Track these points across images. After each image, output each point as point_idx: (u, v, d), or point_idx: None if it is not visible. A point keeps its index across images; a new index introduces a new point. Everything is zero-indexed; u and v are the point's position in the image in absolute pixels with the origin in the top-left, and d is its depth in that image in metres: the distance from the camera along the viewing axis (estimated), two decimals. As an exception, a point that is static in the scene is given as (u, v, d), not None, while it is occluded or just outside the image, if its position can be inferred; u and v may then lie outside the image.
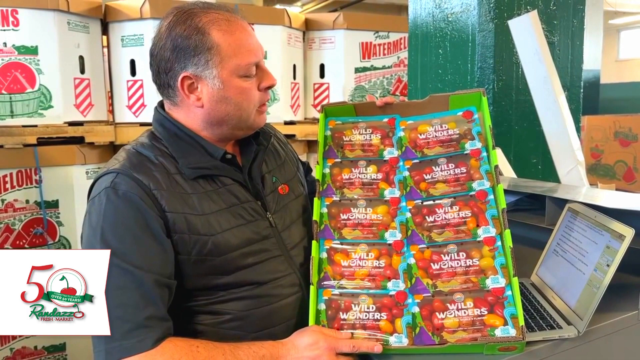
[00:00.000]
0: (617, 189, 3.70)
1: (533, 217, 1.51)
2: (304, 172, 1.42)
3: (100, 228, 1.03)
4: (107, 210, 1.04)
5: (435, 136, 1.28)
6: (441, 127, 1.29)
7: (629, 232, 1.03)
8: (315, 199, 1.22)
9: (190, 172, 1.11)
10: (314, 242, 1.17)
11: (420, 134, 1.29)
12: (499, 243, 1.11)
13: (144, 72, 2.56)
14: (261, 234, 1.15)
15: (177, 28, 1.10)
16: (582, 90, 2.10)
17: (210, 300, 1.12)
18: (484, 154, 1.22)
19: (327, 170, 1.28)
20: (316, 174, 1.27)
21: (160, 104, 1.21)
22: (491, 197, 1.16)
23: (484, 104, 1.26)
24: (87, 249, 1.09)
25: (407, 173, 1.25)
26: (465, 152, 1.24)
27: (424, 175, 1.23)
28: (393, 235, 1.17)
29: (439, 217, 1.17)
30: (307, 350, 1.03)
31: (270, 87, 1.18)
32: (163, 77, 1.13)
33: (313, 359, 1.03)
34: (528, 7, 1.95)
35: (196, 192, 1.10)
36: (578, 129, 1.98)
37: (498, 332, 1.00)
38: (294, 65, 2.94)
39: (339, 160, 1.29)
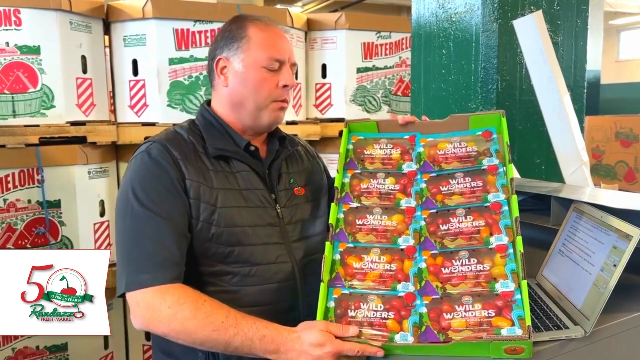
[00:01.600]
0: (619, 190, 3.70)
1: (538, 217, 1.51)
2: (328, 186, 1.49)
3: (132, 182, 1.22)
4: (139, 169, 1.24)
5: (454, 152, 1.31)
6: (460, 144, 1.32)
7: (636, 232, 1.03)
8: (333, 204, 1.25)
9: (213, 150, 1.28)
10: (327, 244, 1.18)
11: (440, 150, 1.32)
12: (511, 250, 1.11)
13: (146, 72, 2.55)
14: (266, 221, 1.28)
15: (227, 25, 1.35)
16: (585, 91, 2.10)
17: (211, 270, 1.25)
18: (501, 169, 1.24)
19: (346, 180, 1.31)
20: (336, 182, 1.30)
21: (207, 102, 1.40)
22: (505, 208, 1.18)
23: (503, 125, 1.29)
24: (120, 200, 1.23)
25: (424, 185, 1.27)
26: (483, 168, 1.26)
27: (441, 188, 1.25)
28: (406, 241, 1.19)
29: (452, 226, 1.18)
30: (311, 348, 1.05)
31: (287, 87, 1.31)
32: (209, 64, 1.36)
33: (315, 359, 1.05)
34: (532, 7, 1.95)
35: (215, 169, 1.27)
36: (582, 129, 1.98)
37: (504, 332, 1.00)
38: (296, 65, 2.94)
39: (358, 171, 1.33)
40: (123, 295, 1.17)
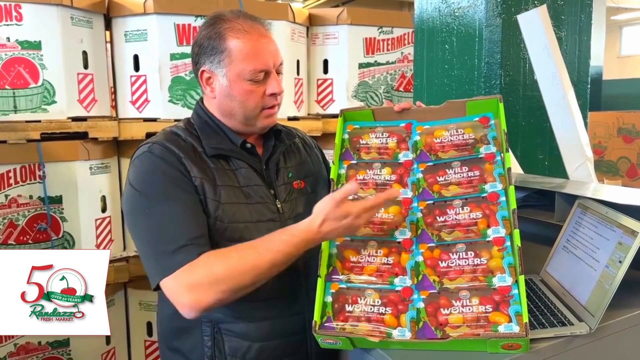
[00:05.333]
0: (622, 186, 3.69)
1: (542, 213, 1.50)
2: (327, 176, 1.47)
3: (138, 181, 1.22)
4: (144, 166, 1.24)
5: (451, 140, 1.29)
6: (457, 131, 1.29)
7: (642, 228, 1.02)
8: None
9: (210, 150, 1.28)
10: None
11: (436, 138, 1.30)
12: (508, 243, 1.10)
13: (147, 67, 2.54)
14: (267, 216, 1.28)
15: (205, 29, 1.30)
16: (589, 86, 2.09)
17: None
18: (498, 157, 1.22)
19: (342, 171, 1.29)
20: (331, 173, 1.28)
21: (202, 100, 1.39)
22: (503, 198, 1.16)
23: (500, 110, 1.27)
24: (127, 201, 1.23)
25: (420, 175, 1.25)
26: (480, 156, 1.24)
27: (437, 178, 1.24)
28: (403, 234, 1.18)
29: (449, 217, 1.17)
30: (340, 222, 1.11)
31: (275, 95, 1.29)
32: (194, 67, 1.35)
33: (348, 227, 1.11)
34: (535, 2, 1.93)
35: (216, 167, 1.27)
36: (586, 125, 1.97)
37: (501, 329, 1.00)
38: (298, 61, 2.93)
39: (354, 162, 1.31)
40: (158, 288, 1.16)
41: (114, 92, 2.68)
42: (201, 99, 1.39)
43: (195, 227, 1.18)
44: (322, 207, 1.12)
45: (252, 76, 1.26)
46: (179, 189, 1.20)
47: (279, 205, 1.31)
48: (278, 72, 1.31)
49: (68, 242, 2.37)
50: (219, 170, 1.27)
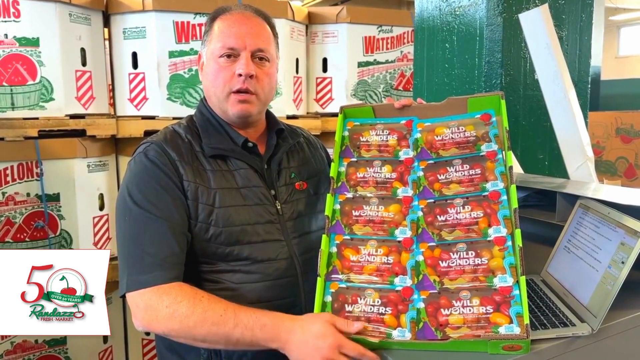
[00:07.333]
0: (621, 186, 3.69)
1: (543, 213, 1.50)
2: None
3: (129, 184, 1.22)
4: (137, 170, 1.24)
5: (452, 138, 1.27)
6: (458, 129, 1.28)
7: (645, 229, 1.02)
8: (329, 195, 1.22)
9: (209, 150, 1.27)
10: (324, 237, 1.16)
11: (437, 136, 1.29)
12: (509, 243, 1.09)
13: (146, 65, 2.53)
14: (265, 218, 1.26)
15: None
16: (589, 86, 2.09)
17: (211, 269, 1.24)
18: (500, 155, 1.21)
19: (342, 169, 1.28)
20: (331, 171, 1.27)
21: (205, 97, 1.39)
22: (504, 197, 1.15)
23: (502, 107, 1.26)
24: (119, 202, 1.23)
25: (421, 173, 1.24)
26: (481, 154, 1.23)
27: (438, 176, 1.22)
28: (403, 233, 1.17)
29: (450, 216, 1.16)
30: (313, 338, 1.03)
31: (241, 76, 1.26)
32: None
33: (316, 350, 1.03)
34: (537, 1, 1.93)
35: (212, 169, 1.26)
36: (586, 125, 1.96)
37: (502, 330, 0.99)
38: (297, 59, 2.92)
39: (355, 159, 1.30)
40: (125, 296, 1.16)
41: (112, 90, 2.67)
42: (205, 97, 1.38)
43: (172, 245, 1.17)
44: (316, 329, 1.03)
45: (221, 52, 1.27)
46: (168, 201, 1.20)
47: (279, 207, 1.29)
48: (260, 58, 1.29)
49: (65, 240, 2.36)
50: (216, 172, 1.26)
